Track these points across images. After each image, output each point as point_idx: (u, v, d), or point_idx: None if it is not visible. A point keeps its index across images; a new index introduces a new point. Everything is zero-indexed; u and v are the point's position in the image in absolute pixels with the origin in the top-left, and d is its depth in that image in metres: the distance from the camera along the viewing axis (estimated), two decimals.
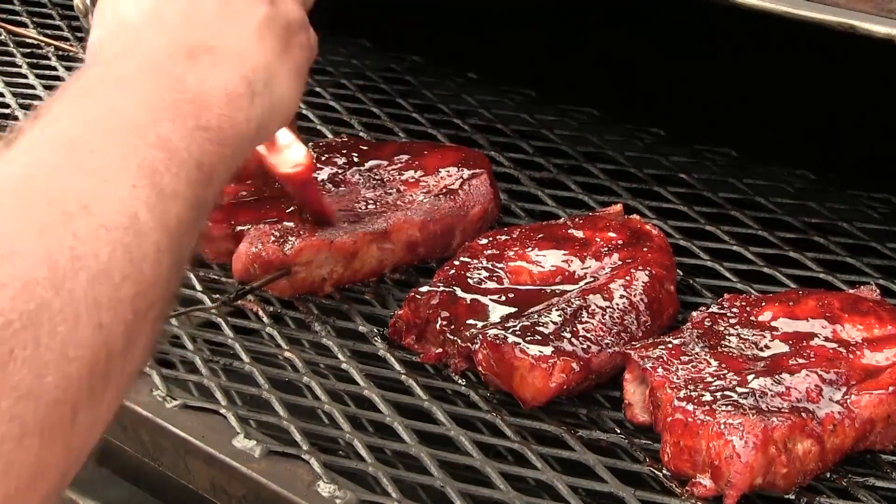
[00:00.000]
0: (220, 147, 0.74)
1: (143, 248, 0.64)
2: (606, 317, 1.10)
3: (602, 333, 1.09)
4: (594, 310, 1.10)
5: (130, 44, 0.79)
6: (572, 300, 1.11)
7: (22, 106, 1.60)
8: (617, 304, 1.11)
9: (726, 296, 1.16)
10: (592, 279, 1.17)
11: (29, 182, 0.63)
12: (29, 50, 1.77)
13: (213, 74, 0.77)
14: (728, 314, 1.11)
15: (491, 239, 1.23)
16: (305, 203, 1.22)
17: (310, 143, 1.40)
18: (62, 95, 0.72)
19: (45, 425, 0.57)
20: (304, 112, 1.58)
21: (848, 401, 1.00)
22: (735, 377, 1.01)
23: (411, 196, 1.29)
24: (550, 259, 1.20)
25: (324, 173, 1.32)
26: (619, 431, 1.05)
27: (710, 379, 1.01)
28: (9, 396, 0.55)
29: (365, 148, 1.39)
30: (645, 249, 1.19)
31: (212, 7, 0.82)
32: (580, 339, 1.08)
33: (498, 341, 1.06)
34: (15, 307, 0.56)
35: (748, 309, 1.11)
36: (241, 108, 0.78)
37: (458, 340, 1.10)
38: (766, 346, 1.06)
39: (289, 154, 1.19)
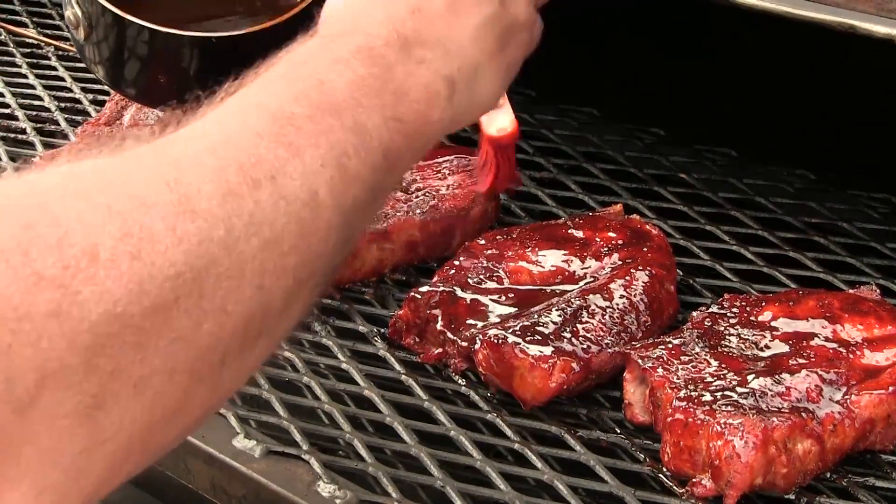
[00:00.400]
0: (409, 139, 0.78)
1: (315, 224, 0.69)
2: (606, 317, 1.10)
3: (602, 333, 1.09)
4: (594, 310, 1.10)
5: (354, 23, 0.81)
6: (572, 300, 1.11)
7: (22, 106, 1.60)
8: (617, 304, 1.11)
9: (726, 296, 1.15)
10: (592, 279, 1.17)
11: (227, 145, 0.67)
12: (29, 50, 1.77)
13: (419, 70, 0.80)
14: (728, 314, 1.11)
15: (491, 239, 1.23)
16: (495, 166, 1.24)
17: None
18: (284, 58, 0.75)
19: (195, 366, 0.62)
20: None
21: (848, 401, 1.00)
22: (735, 377, 1.01)
23: (411, 196, 1.29)
24: (550, 259, 1.20)
25: None
26: (619, 431, 1.05)
27: (710, 379, 1.01)
28: (167, 337, 0.60)
29: None
30: (645, 249, 1.19)
31: (440, 1, 0.83)
32: (580, 339, 1.08)
33: (498, 341, 1.06)
34: (187, 261, 0.61)
35: (748, 309, 1.11)
36: (437, 107, 0.81)
37: (458, 340, 1.10)
38: (766, 346, 1.06)
39: (497, 117, 1.21)
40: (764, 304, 1.12)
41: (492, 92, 0.88)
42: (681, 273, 1.24)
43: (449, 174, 1.33)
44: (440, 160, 1.35)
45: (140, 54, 1.18)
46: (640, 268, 1.16)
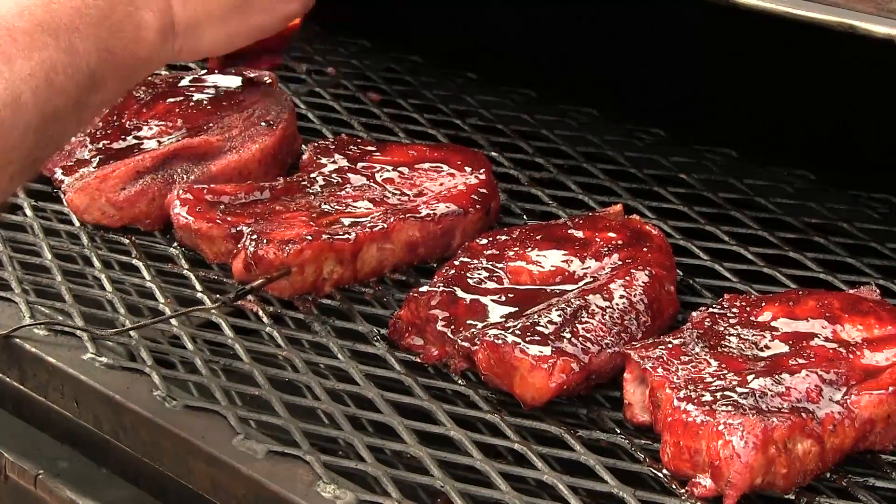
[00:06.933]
0: (116, 69, 0.90)
1: (14, 121, 0.82)
2: (606, 317, 1.10)
3: (602, 333, 1.09)
4: (594, 310, 1.10)
5: None
6: (572, 300, 1.12)
7: None
8: (617, 304, 1.11)
9: (726, 296, 1.16)
10: (592, 279, 1.17)
11: None
12: None
13: (138, 14, 0.92)
14: (728, 314, 1.11)
15: (491, 239, 1.23)
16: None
17: (309, 144, 1.40)
18: None
19: None
20: (304, 112, 1.59)
21: (848, 401, 1.00)
22: (735, 377, 1.01)
23: (411, 196, 1.29)
24: (550, 259, 1.20)
25: (324, 173, 1.33)
26: (619, 431, 1.05)
27: (710, 379, 1.01)
28: None
29: (365, 148, 1.39)
30: (645, 249, 1.19)
31: None
32: (580, 339, 1.08)
33: (498, 341, 1.06)
34: None
35: (748, 309, 1.11)
36: (146, 49, 0.93)
37: (458, 340, 1.10)
38: (766, 346, 1.06)
39: None
40: (764, 304, 1.12)
41: (218, 46, 1.01)
42: (681, 273, 1.24)
43: (449, 174, 1.33)
44: (440, 160, 1.36)
45: None
46: (640, 268, 1.16)
